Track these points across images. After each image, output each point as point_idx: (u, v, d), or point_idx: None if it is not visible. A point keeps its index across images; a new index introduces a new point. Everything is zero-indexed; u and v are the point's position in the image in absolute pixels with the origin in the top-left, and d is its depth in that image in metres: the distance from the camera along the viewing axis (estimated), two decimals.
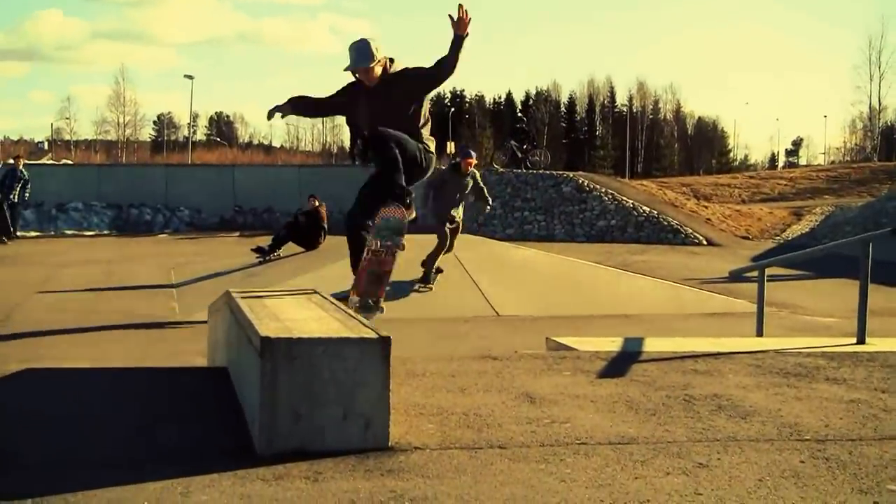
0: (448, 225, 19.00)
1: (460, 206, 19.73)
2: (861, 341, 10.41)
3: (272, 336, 5.93)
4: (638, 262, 31.99)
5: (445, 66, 8.57)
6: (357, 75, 8.80)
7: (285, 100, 9.08)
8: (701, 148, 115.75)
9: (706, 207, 49.45)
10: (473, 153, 20.49)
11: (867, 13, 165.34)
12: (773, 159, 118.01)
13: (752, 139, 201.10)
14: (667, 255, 32.86)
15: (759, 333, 12.51)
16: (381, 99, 8.63)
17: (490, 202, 21.63)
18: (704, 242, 39.03)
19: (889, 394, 7.87)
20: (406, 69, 8.82)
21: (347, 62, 8.57)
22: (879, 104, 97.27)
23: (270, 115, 9.17)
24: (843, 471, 5.81)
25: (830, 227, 41.21)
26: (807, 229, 44.40)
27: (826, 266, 22.74)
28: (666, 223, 42.16)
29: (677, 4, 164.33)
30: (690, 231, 41.12)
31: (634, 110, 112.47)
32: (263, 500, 5.09)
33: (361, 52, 8.62)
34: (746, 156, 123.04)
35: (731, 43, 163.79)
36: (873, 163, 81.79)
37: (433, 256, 18.70)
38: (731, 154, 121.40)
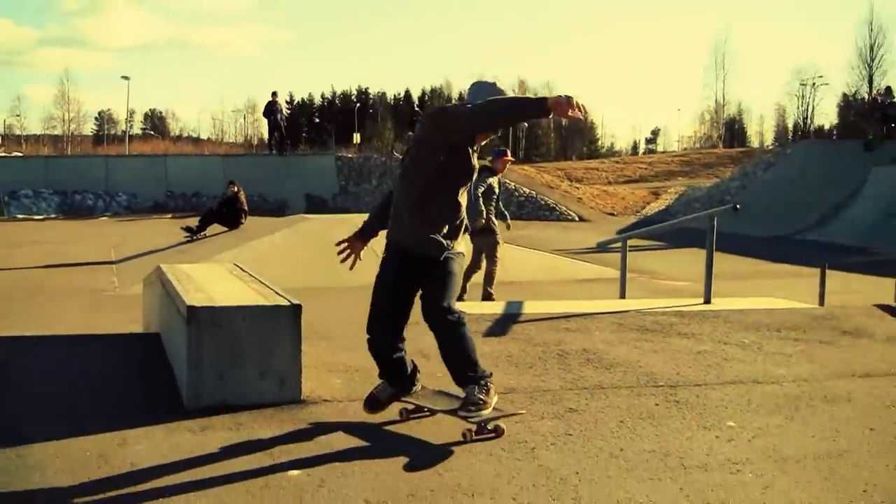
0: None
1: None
2: (707, 301, 10.63)
3: (197, 305, 6.00)
4: (520, 236, 32.23)
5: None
6: None
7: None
8: (574, 137, 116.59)
9: (578, 188, 49.95)
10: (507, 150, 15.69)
11: (715, 19, 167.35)
12: (635, 146, 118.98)
13: (618, 129, 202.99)
14: (544, 230, 33.11)
15: (623, 296, 12.72)
16: None
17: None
18: (577, 218, 39.44)
19: (730, 345, 8.11)
20: None
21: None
22: (724, 99, 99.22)
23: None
24: (690, 411, 6.02)
25: (683, 204, 41.89)
26: (663, 206, 45.02)
27: (679, 237, 23.21)
28: (543, 202, 42.52)
29: (554, 13, 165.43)
30: (564, 209, 41.54)
31: None
32: (191, 448, 5.16)
33: None
34: (612, 143, 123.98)
35: (602, 45, 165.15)
36: (719, 149, 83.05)
37: (489, 279, 13.65)
38: (600, 142, 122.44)
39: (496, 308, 9.83)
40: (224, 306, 6.12)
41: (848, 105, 41.71)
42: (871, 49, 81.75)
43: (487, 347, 7.68)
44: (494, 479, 4.71)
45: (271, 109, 38.46)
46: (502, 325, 8.76)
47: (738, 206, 12.09)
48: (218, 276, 7.88)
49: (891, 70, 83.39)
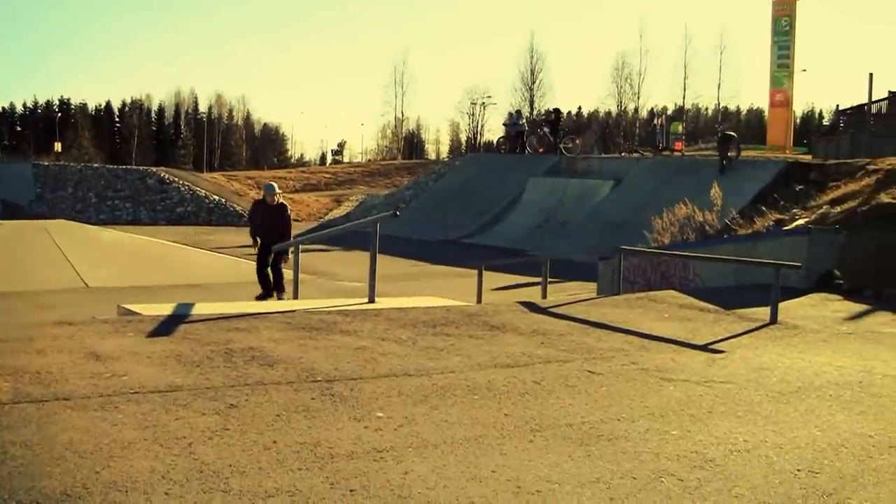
0: None
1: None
2: (371, 300, 10.76)
3: None
4: (208, 240, 31.83)
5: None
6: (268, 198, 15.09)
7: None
8: (266, 148, 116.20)
9: None
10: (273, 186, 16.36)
11: (394, 43, 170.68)
12: (322, 157, 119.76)
13: (307, 141, 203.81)
14: (232, 235, 32.83)
15: (296, 296, 12.74)
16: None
17: None
18: None
19: (388, 341, 8.19)
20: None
21: None
22: (402, 115, 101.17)
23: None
24: (344, 403, 6.02)
25: (363, 211, 42.46)
26: (344, 213, 45.55)
27: (355, 241, 23.38)
28: (232, 209, 42.27)
29: (244, 24, 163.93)
30: None
31: (213, 117, 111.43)
32: None
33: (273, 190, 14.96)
34: (302, 154, 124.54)
35: (294, 62, 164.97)
36: (397, 161, 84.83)
37: None
38: (290, 153, 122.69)
39: (168, 309, 9.58)
40: None
41: (513, 123, 43.35)
42: (532, 73, 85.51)
43: (157, 347, 7.46)
44: (150, 475, 4.56)
45: None
46: (174, 325, 8.51)
47: (398, 213, 12.30)
48: None
49: (549, 92, 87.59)
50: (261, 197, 16.27)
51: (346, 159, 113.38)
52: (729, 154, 31.47)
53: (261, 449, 5.02)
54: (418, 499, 4.39)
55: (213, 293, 15.47)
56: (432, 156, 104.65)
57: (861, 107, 34.52)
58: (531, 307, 10.82)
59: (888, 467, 5.18)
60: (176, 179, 46.85)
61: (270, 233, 15.42)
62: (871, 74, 31.00)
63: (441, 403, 6.17)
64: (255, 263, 15.89)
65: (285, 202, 16.24)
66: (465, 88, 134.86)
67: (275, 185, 16.23)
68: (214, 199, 43.75)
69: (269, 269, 15.53)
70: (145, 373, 6.56)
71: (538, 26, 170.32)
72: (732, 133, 34.62)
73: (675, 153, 39.93)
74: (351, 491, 4.46)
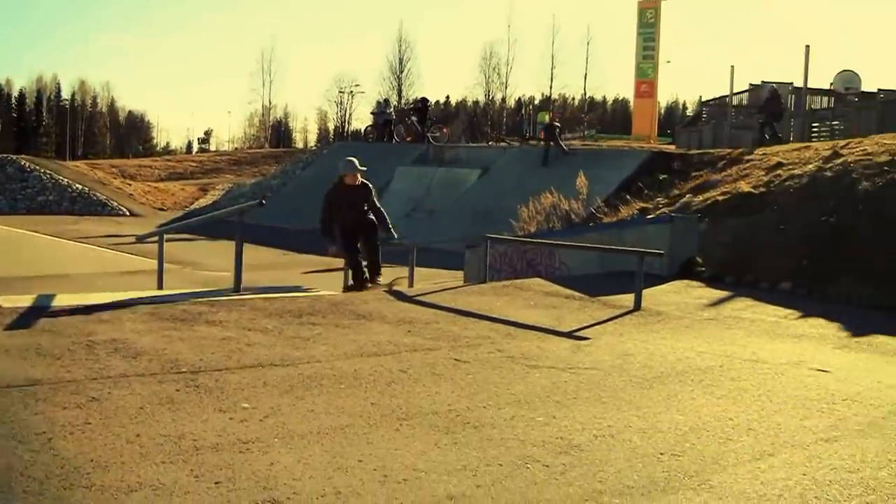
0: None
1: None
2: (237, 290, 10.64)
3: None
4: (72, 230, 31.08)
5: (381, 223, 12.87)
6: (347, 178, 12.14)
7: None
8: (130, 136, 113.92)
9: (130, 185, 48.91)
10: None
11: (262, 30, 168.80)
12: (189, 146, 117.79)
13: (173, 129, 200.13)
14: (96, 225, 32.18)
15: (160, 287, 12.50)
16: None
17: None
18: (128, 214, 38.66)
19: (253, 331, 8.10)
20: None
21: None
22: (270, 103, 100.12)
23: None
24: (209, 395, 5.93)
25: (229, 200, 41.91)
26: (211, 202, 44.98)
27: (221, 230, 23.07)
28: (95, 198, 41.38)
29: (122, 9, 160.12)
30: (116, 204, 40.70)
31: (76, 104, 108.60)
32: None
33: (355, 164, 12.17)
34: (168, 142, 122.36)
35: (159, 48, 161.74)
36: (265, 149, 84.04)
37: None
38: (155, 141, 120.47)
39: (28, 301, 9.29)
40: None
41: (381, 112, 43.42)
42: (401, 62, 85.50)
43: (16, 340, 7.23)
44: (7, 473, 4.41)
45: None
46: (34, 317, 8.26)
47: (263, 202, 12.17)
48: None
49: (417, 81, 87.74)
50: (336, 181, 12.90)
51: (212, 148, 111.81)
52: (552, 143, 32.31)
53: (123, 443, 4.92)
54: (284, 490, 4.35)
55: (77, 284, 15.09)
56: (300, 144, 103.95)
57: (723, 98, 35.43)
58: (398, 295, 10.84)
59: (747, 448, 5.31)
60: (37, 168, 45.69)
61: (357, 219, 12.64)
62: (732, 67, 31.72)
63: (307, 393, 6.13)
64: (125, 254, 15.26)
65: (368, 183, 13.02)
66: (334, 76, 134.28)
67: (355, 160, 12.88)
68: (77, 188, 42.70)
69: (360, 258, 12.87)
70: (3, 367, 6.36)
71: (407, 15, 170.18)
72: (557, 124, 35.33)
73: (542, 143, 40.39)
74: (216, 483, 4.39)
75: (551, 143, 32.71)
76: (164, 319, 8.46)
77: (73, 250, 20.80)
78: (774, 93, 29.20)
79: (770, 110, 28.27)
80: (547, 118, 37.52)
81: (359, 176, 12.72)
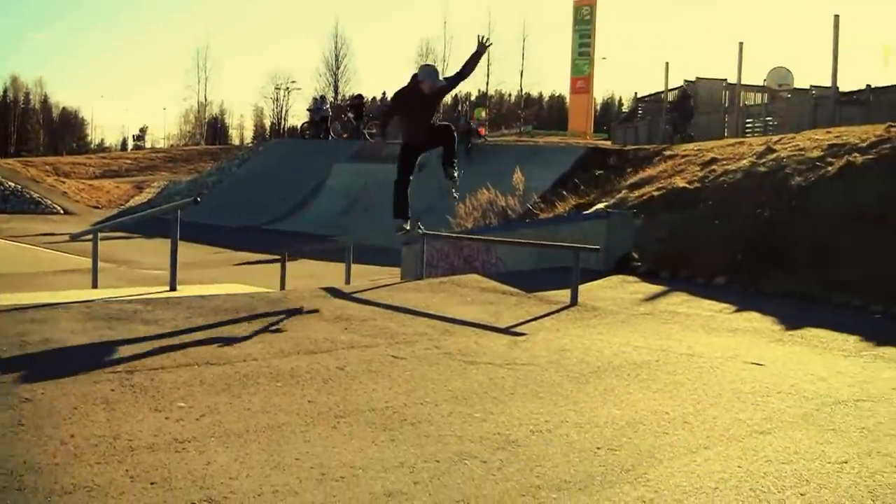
0: None
1: None
2: (173, 288, 10.55)
3: None
4: (5, 228, 30.64)
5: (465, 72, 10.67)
6: (425, 84, 10.26)
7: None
8: (64, 133, 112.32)
9: (64, 182, 48.35)
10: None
11: (197, 26, 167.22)
12: (124, 143, 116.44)
13: (108, 126, 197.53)
14: (30, 223, 31.73)
15: (95, 286, 12.36)
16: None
17: None
18: (62, 212, 38.20)
19: (190, 329, 8.05)
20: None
21: None
22: (206, 100, 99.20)
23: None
24: (144, 394, 5.86)
25: (165, 197, 41.56)
26: (146, 199, 44.61)
27: (156, 228, 22.84)
28: (28, 196, 40.86)
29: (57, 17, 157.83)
30: (50, 202, 40.21)
31: (8, 100, 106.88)
32: None
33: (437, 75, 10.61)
34: (103, 140, 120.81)
35: (93, 44, 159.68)
36: (201, 146, 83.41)
37: None
38: (90, 138, 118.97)
39: None
40: None
41: (317, 108, 43.38)
42: (337, 58, 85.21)
43: None
44: None
45: None
46: None
47: (198, 199, 12.05)
48: None
49: (353, 78, 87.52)
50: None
51: (148, 145, 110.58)
52: (470, 141, 32.72)
53: (57, 444, 4.85)
54: (220, 489, 4.32)
55: (10, 283, 14.88)
56: (236, 141, 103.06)
57: (658, 94, 35.76)
58: (334, 293, 10.80)
59: (683, 442, 5.36)
60: None
61: (424, 130, 10.92)
62: (667, 63, 32.14)
63: (243, 392, 6.09)
64: (60, 253, 14.95)
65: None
66: (269, 73, 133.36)
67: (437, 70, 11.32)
68: (10, 186, 42.09)
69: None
70: None
71: (343, 11, 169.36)
72: (471, 124, 35.65)
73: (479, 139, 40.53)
74: (152, 484, 4.36)
75: (467, 144, 33.07)
76: (100, 318, 8.35)
77: (5, 249, 20.45)
78: (686, 93, 29.71)
79: (681, 110, 28.73)
80: (483, 114, 37.73)
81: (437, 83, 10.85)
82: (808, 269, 11.89)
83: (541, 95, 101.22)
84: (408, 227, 11.18)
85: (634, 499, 4.43)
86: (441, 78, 10.83)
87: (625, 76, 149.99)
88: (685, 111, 29.63)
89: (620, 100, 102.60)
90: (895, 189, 12.68)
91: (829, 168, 13.99)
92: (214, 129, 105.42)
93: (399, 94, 10.88)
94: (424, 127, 10.79)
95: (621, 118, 50.06)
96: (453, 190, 11.87)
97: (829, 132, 16.95)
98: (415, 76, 10.63)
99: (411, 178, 11.11)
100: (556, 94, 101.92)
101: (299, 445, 5.01)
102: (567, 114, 55.12)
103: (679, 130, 28.45)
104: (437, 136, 11.00)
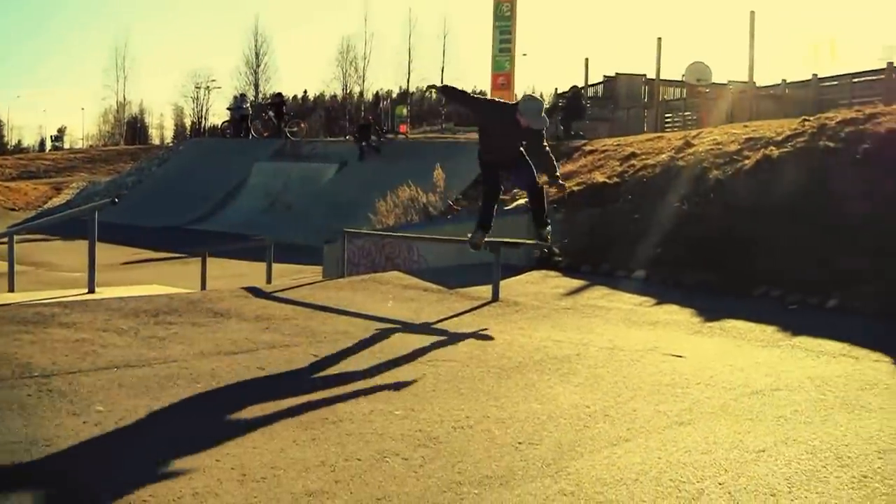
0: None
1: None
2: (91, 290, 10.40)
3: None
4: None
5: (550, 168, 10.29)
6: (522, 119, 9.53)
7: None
8: None
9: None
10: None
11: (115, 24, 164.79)
12: (42, 143, 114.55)
13: (25, 126, 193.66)
14: None
15: (11, 289, 12.15)
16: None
17: None
18: None
19: (108, 332, 7.90)
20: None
21: None
22: (125, 99, 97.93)
23: (429, 89, 12.00)
24: (62, 398, 5.77)
25: (84, 198, 40.99)
26: (65, 201, 43.96)
27: (75, 229, 22.49)
28: None
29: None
30: None
31: None
32: None
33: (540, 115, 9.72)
34: (20, 140, 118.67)
35: (6, 42, 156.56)
36: (120, 146, 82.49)
37: None
38: (6, 139, 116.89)
39: None
40: None
41: (238, 107, 43.11)
42: (257, 56, 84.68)
43: None
44: None
45: None
46: None
47: (116, 200, 11.92)
48: None
49: (274, 76, 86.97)
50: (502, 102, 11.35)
51: (66, 145, 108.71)
52: (369, 141, 32.90)
53: None
54: (140, 493, 4.27)
55: None
56: (157, 141, 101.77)
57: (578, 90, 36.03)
58: (255, 292, 10.73)
59: (604, 435, 5.40)
60: None
61: (508, 157, 10.19)
62: (587, 59, 32.37)
63: (163, 394, 6.02)
64: None
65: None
66: (189, 72, 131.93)
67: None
68: None
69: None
70: None
71: (263, 9, 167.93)
72: (369, 121, 35.72)
73: (400, 136, 40.58)
74: (70, 489, 4.29)
75: (363, 142, 33.27)
76: (15, 322, 8.20)
77: None
78: (577, 92, 30.07)
79: (571, 108, 29.08)
80: (405, 111, 37.75)
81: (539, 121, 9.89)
82: (726, 261, 12.05)
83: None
84: (483, 241, 10.47)
85: (555, 492, 4.45)
86: (543, 115, 9.90)
87: (546, 72, 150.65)
88: (576, 110, 30.01)
89: (541, 95, 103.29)
90: (810, 181, 12.89)
91: (747, 161, 14.20)
92: (134, 128, 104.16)
93: (494, 103, 10.67)
94: (509, 155, 10.11)
95: (584, 114, 50.45)
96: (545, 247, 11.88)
97: (746, 126, 17.21)
98: (516, 104, 10.08)
99: (499, 194, 10.88)
100: (478, 91, 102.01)
101: (219, 447, 4.96)
102: None
103: (568, 129, 28.84)
104: (521, 177, 10.43)
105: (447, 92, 11.47)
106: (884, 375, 7.28)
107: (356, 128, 37.32)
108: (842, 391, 6.68)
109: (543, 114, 9.91)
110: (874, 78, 24.76)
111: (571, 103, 30.37)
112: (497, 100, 10.57)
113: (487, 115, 10.34)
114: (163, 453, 4.82)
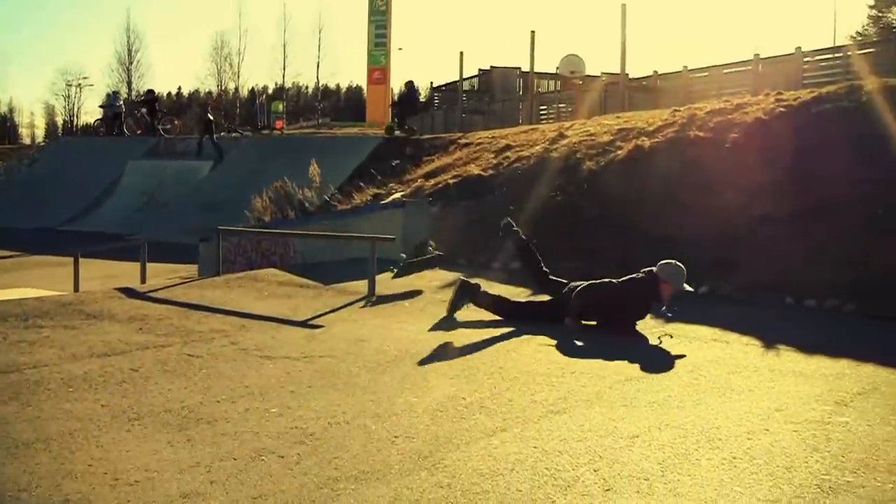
0: None
1: None
2: None
3: None
4: None
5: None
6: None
7: None
8: None
9: None
10: None
11: None
12: None
13: None
14: None
15: None
16: None
17: None
18: None
19: None
20: None
21: None
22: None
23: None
24: None
25: None
26: None
27: None
28: None
29: None
30: None
31: None
32: None
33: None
34: None
35: None
36: None
37: None
38: None
39: None
40: None
41: (110, 105, 42.35)
42: (130, 53, 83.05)
43: None
44: None
45: None
46: None
47: None
48: None
49: (148, 73, 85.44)
50: None
51: None
52: (212, 135, 32.88)
53: None
54: (9, 502, 4.16)
55: None
56: (27, 140, 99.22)
57: (454, 84, 36.15)
58: (129, 293, 10.52)
59: (480, 426, 5.43)
60: None
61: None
62: (461, 53, 32.39)
63: (33, 399, 5.88)
64: None
65: None
66: (60, 68, 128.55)
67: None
68: None
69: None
70: None
71: (134, 3, 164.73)
72: (210, 117, 35.61)
73: (276, 132, 40.29)
74: None
75: (205, 137, 33.14)
76: None
77: None
78: (411, 86, 30.35)
79: (405, 103, 29.35)
80: (280, 107, 37.52)
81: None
82: (601, 251, 12.22)
83: (338, 87, 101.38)
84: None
85: (432, 485, 4.46)
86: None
87: (422, 66, 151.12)
88: (409, 104, 30.29)
89: (417, 89, 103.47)
90: (680, 171, 13.16)
91: (619, 152, 14.44)
92: (3, 127, 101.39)
93: (631, 289, 8.88)
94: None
95: (418, 108, 50.52)
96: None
97: (618, 117, 17.51)
98: (653, 273, 8.90)
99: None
100: (354, 86, 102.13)
101: (92, 451, 4.86)
102: (365, 105, 55.18)
103: (402, 124, 29.15)
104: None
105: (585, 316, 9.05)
106: (753, 358, 7.49)
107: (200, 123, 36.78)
108: (713, 375, 6.84)
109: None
110: (742, 69, 25.33)
111: (404, 97, 30.57)
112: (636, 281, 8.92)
113: (636, 307, 9.00)
114: (32, 460, 4.72)
